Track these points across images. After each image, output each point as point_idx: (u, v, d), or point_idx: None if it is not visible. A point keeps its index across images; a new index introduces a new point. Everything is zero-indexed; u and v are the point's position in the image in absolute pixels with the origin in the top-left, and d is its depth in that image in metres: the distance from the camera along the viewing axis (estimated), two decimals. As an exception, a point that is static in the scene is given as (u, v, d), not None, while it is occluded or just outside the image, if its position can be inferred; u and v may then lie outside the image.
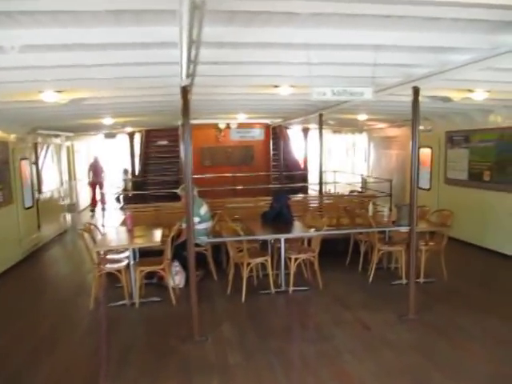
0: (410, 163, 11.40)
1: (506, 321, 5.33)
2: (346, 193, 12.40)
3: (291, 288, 6.31)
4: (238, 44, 3.79)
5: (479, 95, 6.29)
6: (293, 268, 6.26)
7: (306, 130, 14.28)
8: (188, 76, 4.36)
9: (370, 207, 7.45)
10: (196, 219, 6.78)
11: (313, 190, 14.34)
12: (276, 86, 5.63)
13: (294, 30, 3.49)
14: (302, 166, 14.75)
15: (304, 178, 14.04)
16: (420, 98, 7.01)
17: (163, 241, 6.16)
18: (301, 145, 15.07)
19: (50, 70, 4.41)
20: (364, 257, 7.29)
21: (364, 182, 13.14)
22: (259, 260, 6.34)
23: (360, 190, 13.48)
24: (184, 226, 6.76)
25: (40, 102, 5.82)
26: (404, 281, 6.56)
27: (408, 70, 4.88)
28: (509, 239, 7.97)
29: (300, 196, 9.55)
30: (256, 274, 6.73)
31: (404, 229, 6.05)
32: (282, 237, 6.30)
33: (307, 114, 8.87)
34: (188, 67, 4.01)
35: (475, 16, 3.21)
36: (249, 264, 6.17)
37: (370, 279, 6.75)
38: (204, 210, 6.97)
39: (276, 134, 14.02)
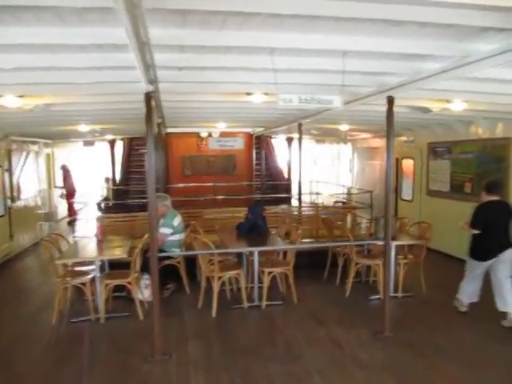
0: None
1: (484, 338, 5.15)
2: (331, 203, 12.25)
3: (265, 302, 6.08)
4: (198, 48, 3.60)
5: (457, 106, 6.17)
6: (266, 282, 6.04)
7: (290, 140, 14.12)
8: (151, 82, 4.17)
9: (349, 219, 7.28)
10: (169, 230, 6.57)
11: (297, 200, 14.19)
12: (248, 94, 5.45)
13: (255, 34, 3.31)
14: (286, 175, 14.55)
15: (288, 189, 13.85)
16: (399, 109, 6.96)
17: (132, 252, 5.91)
18: (285, 154, 14.90)
19: (5, 73, 4.19)
20: (342, 270, 7.09)
21: (348, 193, 13.00)
22: (231, 273, 6.11)
23: (344, 200, 13.35)
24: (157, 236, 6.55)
25: (3, 108, 5.59)
26: (382, 295, 6.39)
27: (382, 78, 4.73)
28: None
29: (278, 207, 9.31)
30: (230, 287, 6.50)
31: (381, 242, 5.87)
32: (255, 249, 6.09)
33: (286, 123, 8.72)
34: (147, 72, 3.82)
35: (446, 20, 3.04)
36: (220, 277, 5.94)
37: (347, 293, 6.55)
38: (177, 221, 6.73)
39: (259, 143, 13.85)
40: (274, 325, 5.64)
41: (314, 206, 10.64)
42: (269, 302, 6.11)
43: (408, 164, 10.68)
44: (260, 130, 11.49)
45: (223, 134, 12.26)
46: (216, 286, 5.85)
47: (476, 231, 5.51)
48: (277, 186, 13.90)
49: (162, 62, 3.71)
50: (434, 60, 3.95)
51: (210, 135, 12.06)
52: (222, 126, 10.05)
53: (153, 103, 4.40)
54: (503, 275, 5.40)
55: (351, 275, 6.58)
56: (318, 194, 11.91)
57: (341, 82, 4.09)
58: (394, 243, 6.43)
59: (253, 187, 13.26)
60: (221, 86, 5.18)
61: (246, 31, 3.20)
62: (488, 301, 6.20)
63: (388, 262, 5.23)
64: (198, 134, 12.29)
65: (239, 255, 6.67)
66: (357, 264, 6.56)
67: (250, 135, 12.90)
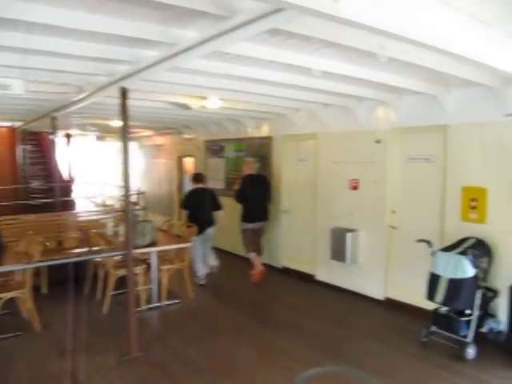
0: (175, 173, 11.01)
1: (233, 346, 4.96)
2: (117, 206, 11.30)
3: (-8, 337, 4.91)
4: None
5: (213, 103, 6.01)
6: (-7, 311, 4.88)
7: (68, 136, 12.61)
8: None
9: (110, 225, 6.53)
10: None
11: (90, 202, 12.91)
12: None
13: None
14: (67, 176, 12.91)
15: (68, 191, 12.29)
16: (159, 104, 6.53)
17: None
18: (67, 153, 13.26)
19: None
20: (104, 282, 6.31)
21: (136, 194, 12.24)
22: None
23: (135, 201, 12.55)
24: None
25: None
26: (146, 306, 5.92)
27: (109, 66, 4.11)
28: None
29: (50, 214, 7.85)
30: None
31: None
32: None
33: (38, 116, 7.48)
34: None
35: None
36: None
37: (106, 310, 5.83)
38: None
39: (31, 140, 11.93)
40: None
41: (74, 212, 9.53)
42: (-1, 336, 4.96)
43: (190, 162, 10.51)
44: (19, 124, 9.77)
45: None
46: None
47: (186, 211, 6.91)
48: (55, 189, 12.20)
49: None
50: (150, 46, 3.48)
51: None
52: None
53: None
54: (206, 247, 6.94)
55: (109, 288, 5.87)
56: (95, 196, 10.80)
57: (19, 64, 3.28)
58: (151, 250, 6.03)
59: (20, 191, 11.31)
60: None
61: None
62: (246, 312, 6.27)
63: (130, 273, 4.65)
64: None
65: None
66: (115, 275, 5.88)
67: (11, 130, 10.93)
